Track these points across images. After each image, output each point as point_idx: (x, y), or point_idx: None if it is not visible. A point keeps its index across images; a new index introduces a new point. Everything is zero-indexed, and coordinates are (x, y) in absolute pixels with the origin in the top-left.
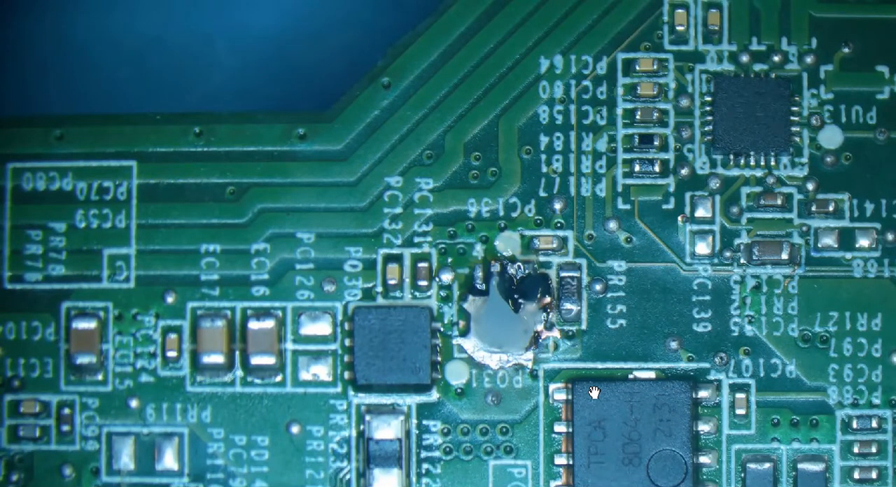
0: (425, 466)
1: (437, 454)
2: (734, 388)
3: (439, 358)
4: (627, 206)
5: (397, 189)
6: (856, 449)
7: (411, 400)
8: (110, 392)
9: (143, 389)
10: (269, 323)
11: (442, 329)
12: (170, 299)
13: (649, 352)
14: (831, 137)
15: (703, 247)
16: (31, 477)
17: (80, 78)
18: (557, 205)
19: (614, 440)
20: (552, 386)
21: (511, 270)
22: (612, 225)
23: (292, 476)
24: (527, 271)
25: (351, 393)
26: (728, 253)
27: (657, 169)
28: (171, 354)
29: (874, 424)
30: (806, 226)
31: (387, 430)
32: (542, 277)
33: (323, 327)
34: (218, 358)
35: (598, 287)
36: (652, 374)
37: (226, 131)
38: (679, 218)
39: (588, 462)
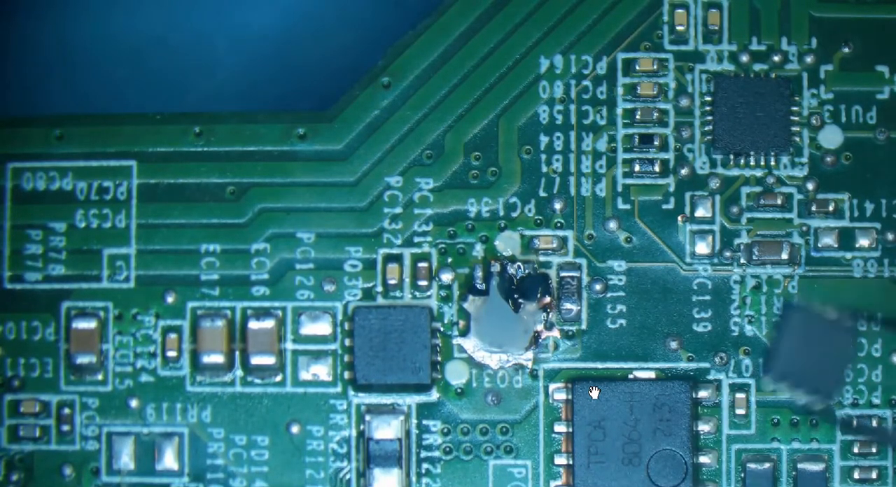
0: (425, 466)
1: (437, 454)
2: (734, 388)
3: (439, 358)
4: (627, 206)
5: (397, 189)
6: (856, 449)
7: (411, 400)
8: (110, 392)
9: (143, 389)
10: (269, 323)
11: (442, 329)
12: (170, 299)
13: (649, 352)
14: (831, 137)
15: (703, 247)
16: (31, 477)
17: (80, 78)
18: (557, 205)
19: (614, 440)
20: (552, 386)
21: (511, 270)
22: (612, 225)
23: (292, 476)
24: (527, 271)
25: (351, 392)
26: (728, 253)
27: (657, 169)
28: (171, 354)
29: (874, 424)
30: (806, 226)
31: (387, 430)
32: (542, 277)
33: (323, 327)
34: (218, 358)
35: (598, 287)
36: (652, 374)
37: (226, 131)
38: (679, 218)
39: (588, 462)
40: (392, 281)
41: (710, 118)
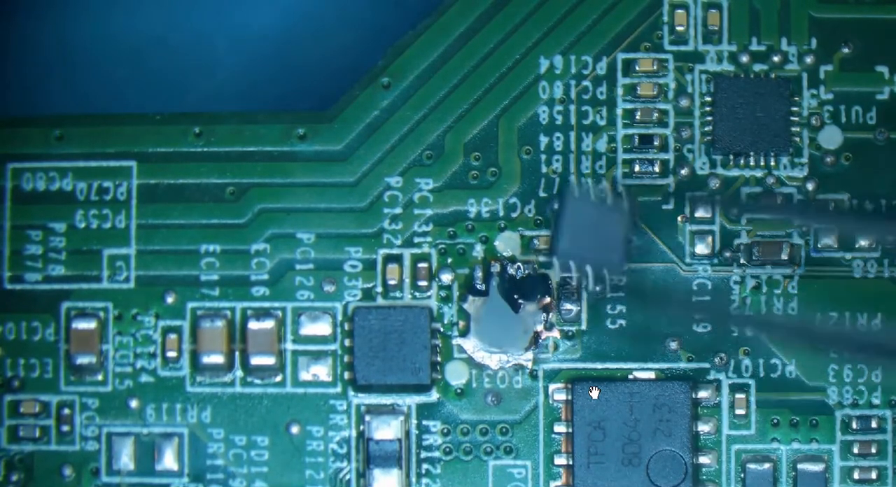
0: (425, 466)
1: (436, 454)
2: (734, 388)
3: (439, 359)
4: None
5: (397, 189)
6: (855, 450)
7: (411, 401)
8: (110, 392)
9: (143, 389)
10: (268, 324)
11: (442, 329)
12: (170, 299)
13: (649, 353)
14: (831, 137)
15: (702, 248)
16: (31, 477)
17: (80, 78)
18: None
19: (614, 440)
20: (552, 387)
21: (511, 270)
22: None
23: (292, 477)
24: (527, 271)
25: (351, 393)
26: (728, 254)
27: (657, 169)
28: (171, 354)
29: (874, 424)
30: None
31: (386, 430)
32: (542, 277)
33: (323, 327)
34: (218, 359)
35: (597, 287)
36: (652, 374)
37: (226, 131)
38: (679, 218)
39: (588, 463)
40: (392, 282)
41: (709, 118)
